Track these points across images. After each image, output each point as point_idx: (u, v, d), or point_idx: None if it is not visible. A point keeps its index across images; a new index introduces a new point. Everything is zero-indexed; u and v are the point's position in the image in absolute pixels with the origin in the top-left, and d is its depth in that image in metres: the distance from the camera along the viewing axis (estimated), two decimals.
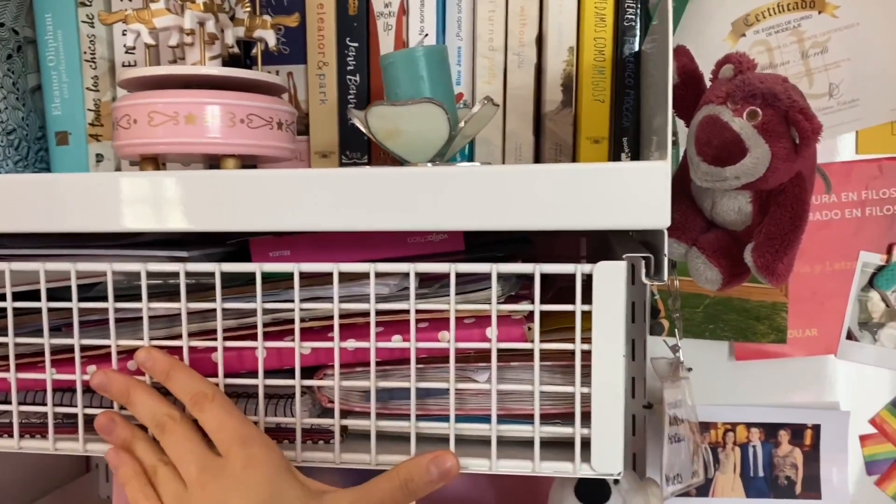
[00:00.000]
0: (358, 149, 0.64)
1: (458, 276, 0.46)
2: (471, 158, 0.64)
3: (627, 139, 0.64)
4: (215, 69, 0.51)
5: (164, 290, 0.52)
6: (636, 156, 0.64)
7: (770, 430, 0.73)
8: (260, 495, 0.41)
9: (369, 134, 0.53)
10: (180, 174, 0.46)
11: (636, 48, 0.62)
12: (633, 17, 0.62)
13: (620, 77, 0.63)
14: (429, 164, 0.49)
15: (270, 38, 0.56)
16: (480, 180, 0.44)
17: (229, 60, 0.57)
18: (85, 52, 0.65)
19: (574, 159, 0.63)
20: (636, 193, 0.42)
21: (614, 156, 0.63)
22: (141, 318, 0.49)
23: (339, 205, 0.45)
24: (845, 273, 0.72)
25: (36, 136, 0.68)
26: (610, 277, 0.44)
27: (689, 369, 0.69)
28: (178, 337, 0.49)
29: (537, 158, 0.64)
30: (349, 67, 0.64)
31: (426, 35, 0.62)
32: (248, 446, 0.43)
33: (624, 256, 0.45)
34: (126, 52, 0.64)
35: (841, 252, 0.71)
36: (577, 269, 0.44)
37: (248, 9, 0.56)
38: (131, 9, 0.53)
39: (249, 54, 0.64)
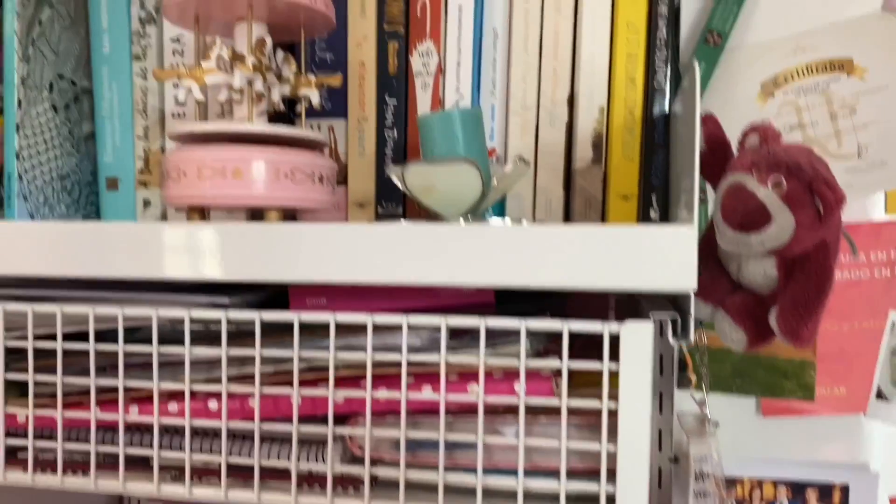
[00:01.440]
0: (393, 199, 0.67)
1: (488, 329, 0.47)
2: (502, 212, 0.66)
3: (656, 196, 0.65)
4: (262, 126, 0.54)
5: (206, 334, 0.54)
6: (665, 213, 0.65)
7: (797, 489, 0.73)
8: None
9: (405, 189, 0.55)
10: (223, 227, 0.49)
11: (666, 108, 0.64)
12: (664, 78, 0.64)
13: (650, 136, 0.64)
14: (462, 221, 0.51)
15: (314, 96, 0.59)
16: (511, 239, 0.46)
17: (274, 115, 0.60)
18: (137, 103, 0.68)
19: (603, 215, 0.65)
20: (664, 256, 0.44)
21: (643, 212, 0.65)
22: (182, 362, 0.51)
23: (375, 259, 0.47)
24: (874, 332, 0.72)
25: (87, 181, 0.71)
26: (637, 337, 0.45)
27: (716, 424, 0.70)
28: (218, 381, 0.51)
29: (567, 213, 0.66)
30: (387, 122, 0.66)
31: (462, 98, 0.64)
32: None
33: (651, 316, 0.46)
34: (176, 104, 0.68)
35: (870, 311, 0.72)
36: (605, 329, 0.45)
37: (295, 69, 0.59)
38: (184, 66, 0.56)
39: (294, 109, 0.67)
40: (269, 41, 0.56)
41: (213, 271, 0.49)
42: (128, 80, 0.68)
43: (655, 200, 0.65)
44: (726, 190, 0.43)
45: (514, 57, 0.65)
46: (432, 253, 0.47)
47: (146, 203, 0.68)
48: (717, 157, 0.48)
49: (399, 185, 0.56)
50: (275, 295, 0.62)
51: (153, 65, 0.68)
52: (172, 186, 0.54)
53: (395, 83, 0.66)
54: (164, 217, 0.68)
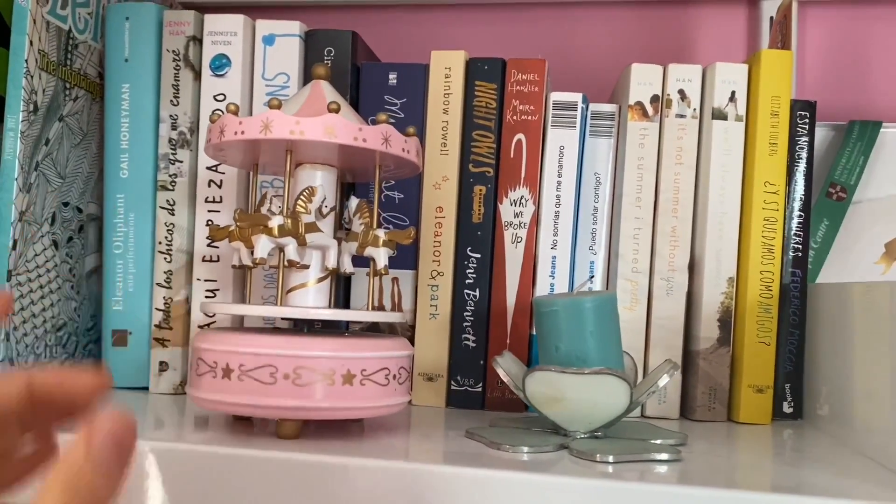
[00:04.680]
0: (471, 374, 0.55)
1: None
2: None
3: (790, 386, 0.55)
4: (329, 312, 0.42)
5: None
6: (798, 408, 0.54)
7: None
8: None
9: (520, 394, 0.43)
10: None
11: (801, 279, 0.54)
12: (801, 245, 0.54)
13: (785, 315, 0.54)
14: (610, 458, 0.39)
15: (381, 258, 0.46)
16: (687, 502, 0.34)
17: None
18: (160, 242, 0.55)
19: (730, 408, 0.54)
20: None
21: (776, 406, 0.54)
22: None
23: None
24: None
25: (86, 328, 0.58)
26: None
27: None
28: None
29: (684, 402, 0.54)
30: (468, 281, 0.55)
31: (592, 277, 0.53)
32: None
33: None
34: (208, 246, 0.55)
35: None
36: None
37: (367, 219, 0.47)
38: (240, 227, 0.44)
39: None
40: (321, 191, 0.44)
41: None
42: (149, 213, 0.56)
43: (789, 391, 0.55)
44: None
45: (625, 211, 0.54)
46: None
47: (162, 366, 0.55)
48: None
49: (510, 385, 0.44)
50: None
51: (183, 197, 0.55)
52: (205, 385, 0.41)
53: (479, 234, 0.55)
54: (182, 385, 0.55)
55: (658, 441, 0.43)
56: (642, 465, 0.39)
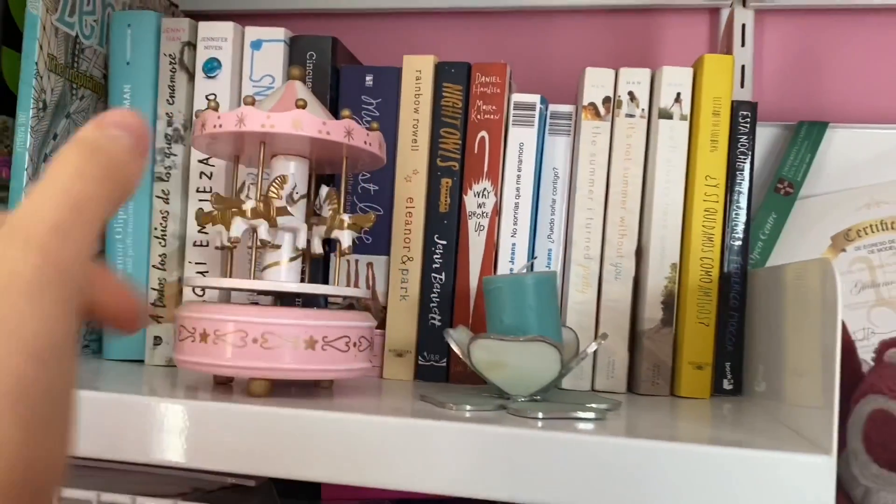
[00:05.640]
0: (437, 351, 0.60)
1: None
2: None
3: (730, 365, 0.59)
4: (293, 285, 0.47)
5: None
6: (738, 384, 0.59)
7: None
8: None
9: (467, 361, 0.48)
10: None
11: (741, 266, 0.58)
12: (741, 234, 0.59)
13: (726, 298, 0.58)
14: (539, 414, 0.43)
15: (346, 239, 0.51)
16: (603, 454, 0.39)
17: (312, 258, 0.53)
18: (155, 228, 0.61)
19: (673, 384, 0.58)
20: (793, 489, 0.37)
21: (716, 383, 0.58)
22: None
23: (431, 466, 0.40)
24: None
25: None
26: None
27: None
28: None
29: (631, 377, 0.59)
30: (435, 265, 0.60)
31: (535, 258, 0.58)
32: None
33: None
34: (199, 232, 0.61)
35: None
36: None
37: (335, 205, 0.52)
38: (216, 209, 0.49)
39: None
40: (292, 179, 0.49)
41: (230, 463, 0.42)
42: (146, 202, 0.61)
43: (729, 369, 0.59)
44: (872, 418, 0.37)
45: (578, 202, 0.59)
46: (502, 461, 0.40)
47: (157, 340, 0.60)
48: (843, 364, 0.42)
49: (459, 354, 0.49)
50: None
51: (177, 187, 0.61)
52: (186, 349, 0.46)
53: (445, 223, 0.60)
54: None
55: (591, 405, 0.47)
56: (569, 422, 0.43)
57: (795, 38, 0.76)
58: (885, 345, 0.41)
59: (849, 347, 0.43)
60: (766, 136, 0.70)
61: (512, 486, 0.40)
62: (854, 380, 0.40)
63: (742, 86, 0.74)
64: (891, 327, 0.67)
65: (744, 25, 0.74)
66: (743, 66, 0.74)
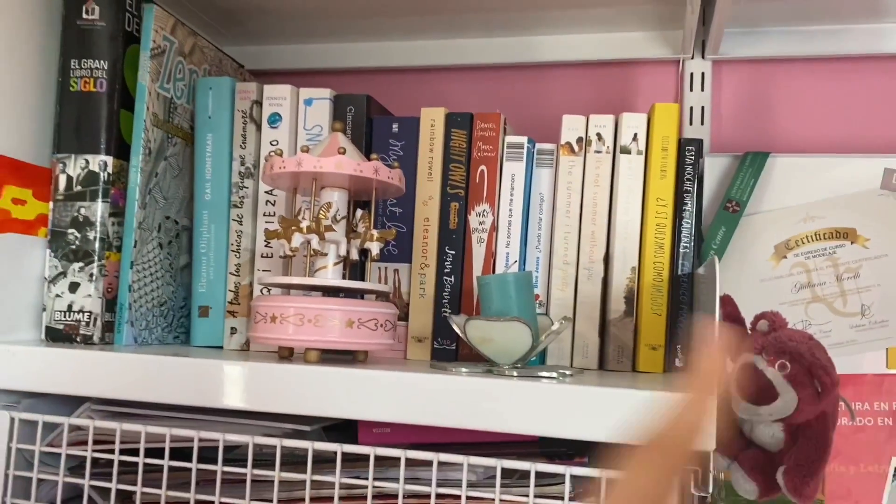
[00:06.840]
0: (448, 336, 0.76)
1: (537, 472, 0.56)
2: (543, 355, 0.75)
3: (681, 347, 0.74)
4: (335, 280, 0.65)
5: (283, 458, 0.62)
6: (689, 362, 0.74)
7: None
8: None
9: (464, 338, 0.65)
10: (309, 370, 0.58)
11: (689, 270, 0.74)
12: (689, 244, 0.74)
13: (676, 294, 0.74)
14: (514, 374, 0.60)
15: (374, 248, 0.69)
16: (554, 395, 0.55)
17: (351, 264, 0.71)
18: (232, 244, 0.79)
19: (634, 361, 0.74)
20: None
21: (669, 361, 0.74)
22: (243, 481, 0.60)
23: (438, 405, 0.56)
24: (879, 476, 0.78)
25: (179, 306, 0.82)
26: None
27: None
28: (299, 501, 0.59)
29: (601, 357, 0.75)
30: (446, 270, 0.76)
31: (515, 262, 0.75)
32: None
33: None
34: (265, 246, 0.79)
35: (874, 456, 0.79)
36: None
37: (367, 224, 0.70)
38: (280, 227, 0.67)
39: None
40: (336, 204, 0.67)
41: (296, 406, 0.59)
42: (224, 224, 0.79)
43: (680, 350, 0.74)
44: (741, 367, 0.52)
45: (558, 220, 0.76)
46: (488, 404, 0.56)
47: (233, 330, 0.78)
48: (733, 332, 0.57)
49: (459, 333, 0.66)
50: (342, 424, 0.71)
51: (248, 212, 0.79)
52: (260, 328, 0.64)
53: (454, 237, 0.77)
54: (246, 343, 0.78)
55: (556, 371, 0.63)
56: (535, 379, 0.59)
57: (746, 83, 0.91)
58: (757, 317, 0.56)
59: (736, 320, 0.58)
60: (721, 164, 0.86)
61: (495, 418, 0.56)
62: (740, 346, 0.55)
63: (702, 123, 0.89)
64: (823, 319, 0.81)
65: (703, 73, 0.90)
66: (703, 108, 0.90)
